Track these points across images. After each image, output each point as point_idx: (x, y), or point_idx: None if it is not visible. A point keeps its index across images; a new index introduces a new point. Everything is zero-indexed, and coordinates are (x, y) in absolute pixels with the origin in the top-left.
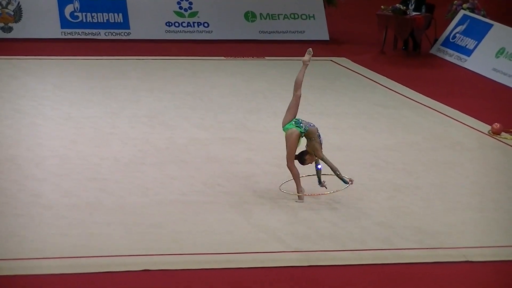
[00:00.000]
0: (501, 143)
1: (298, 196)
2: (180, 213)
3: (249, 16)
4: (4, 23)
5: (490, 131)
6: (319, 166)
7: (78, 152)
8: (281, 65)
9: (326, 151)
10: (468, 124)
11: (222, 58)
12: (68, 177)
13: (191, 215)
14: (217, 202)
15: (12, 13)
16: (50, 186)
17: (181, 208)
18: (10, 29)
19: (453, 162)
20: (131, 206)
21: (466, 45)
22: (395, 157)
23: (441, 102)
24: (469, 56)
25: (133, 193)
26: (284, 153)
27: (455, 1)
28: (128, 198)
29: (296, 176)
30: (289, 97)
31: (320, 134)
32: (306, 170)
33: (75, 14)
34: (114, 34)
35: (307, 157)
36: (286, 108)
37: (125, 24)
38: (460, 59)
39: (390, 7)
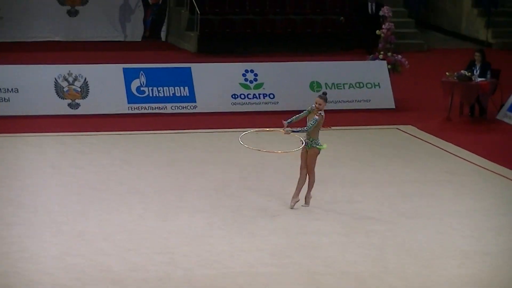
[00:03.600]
0: None
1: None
2: (248, 286)
3: (314, 86)
4: (71, 99)
5: None
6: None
7: (146, 226)
8: (348, 134)
9: (393, 218)
10: None
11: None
12: (136, 252)
13: (260, 287)
14: (286, 273)
15: (79, 89)
16: (119, 260)
17: (249, 281)
18: (77, 105)
19: None
20: (199, 279)
21: None
22: (463, 224)
23: (509, 168)
24: None
25: (201, 266)
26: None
27: None
28: (196, 271)
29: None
30: (355, 166)
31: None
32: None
33: (142, 88)
34: (180, 107)
35: None
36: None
37: (191, 97)
38: None
39: (455, 74)
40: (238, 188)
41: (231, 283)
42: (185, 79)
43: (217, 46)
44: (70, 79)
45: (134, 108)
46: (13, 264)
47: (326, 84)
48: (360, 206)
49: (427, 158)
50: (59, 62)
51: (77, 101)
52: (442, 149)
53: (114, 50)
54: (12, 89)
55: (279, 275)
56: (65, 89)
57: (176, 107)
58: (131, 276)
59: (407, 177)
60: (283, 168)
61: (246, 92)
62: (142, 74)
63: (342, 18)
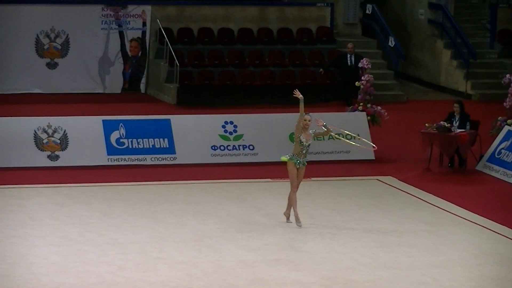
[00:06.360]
0: None
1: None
2: None
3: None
4: (50, 151)
5: None
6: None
7: (126, 278)
8: (327, 185)
9: (372, 269)
10: None
11: (269, 180)
12: None
13: None
14: None
15: (59, 141)
16: None
17: None
18: (56, 157)
19: (502, 278)
20: None
21: None
22: (443, 274)
23: (488, 218)
24: None
25: None
26: None
27: (499, 117)
28: None
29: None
30: (334, 217)
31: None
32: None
33: (121, 140)
34: (160, 159)
35: None
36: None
37: (170, 149)
38: (506, 174)
39: (435, 125)
40: (217, 239)
41: None
42: (165, 130)
43: (196, 98)
44: (50, 131)
45: (114, 160)
46: None
47: None
48: (339, 256)
49: (407, 208)
50: (38, 114)
51: (56, 153)
52: (422, 199)
53: (93, 102)
54: None
55: None
56: (44, 141)
57: (155, 159)
58: None
59: (386, 227)
60: (262, 220)
61: (225, 143)
62: (121, 126)
63: (321, 70)
